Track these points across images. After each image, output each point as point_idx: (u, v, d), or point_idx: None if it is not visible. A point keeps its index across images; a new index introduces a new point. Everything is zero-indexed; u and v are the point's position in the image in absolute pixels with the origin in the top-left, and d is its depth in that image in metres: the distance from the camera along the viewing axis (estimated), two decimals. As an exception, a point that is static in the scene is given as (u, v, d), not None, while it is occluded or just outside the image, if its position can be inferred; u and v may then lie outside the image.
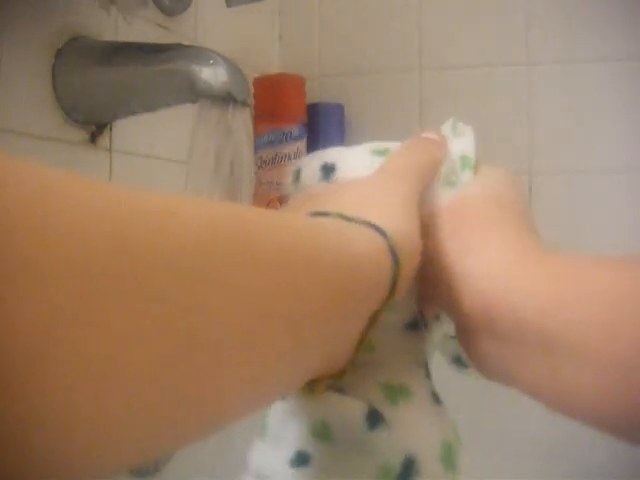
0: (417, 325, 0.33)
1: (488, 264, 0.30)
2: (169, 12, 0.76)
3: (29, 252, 0.14)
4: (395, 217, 0.29)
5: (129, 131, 0.69)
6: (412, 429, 0.29)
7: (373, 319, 0.28)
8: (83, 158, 0.64)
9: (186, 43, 0.62)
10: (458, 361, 0.34)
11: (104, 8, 0.65)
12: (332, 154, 0.36)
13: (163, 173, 0.75)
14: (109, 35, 0.66)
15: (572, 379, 0.26)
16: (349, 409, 0.29)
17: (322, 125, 0.97)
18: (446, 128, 0.37)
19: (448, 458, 0.29)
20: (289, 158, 0.91)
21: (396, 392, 0.30)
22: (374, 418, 0.29)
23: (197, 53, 0.57)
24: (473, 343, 0.31)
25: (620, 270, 0.26)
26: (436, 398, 0.31)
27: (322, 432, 0.29)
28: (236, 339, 0.19)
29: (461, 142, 0.36)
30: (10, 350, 0.14)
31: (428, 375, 0.32)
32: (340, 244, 0.25)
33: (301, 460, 0.29)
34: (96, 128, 0.64)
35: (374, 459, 0.29)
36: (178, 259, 0.17)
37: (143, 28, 0.72)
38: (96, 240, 0.15)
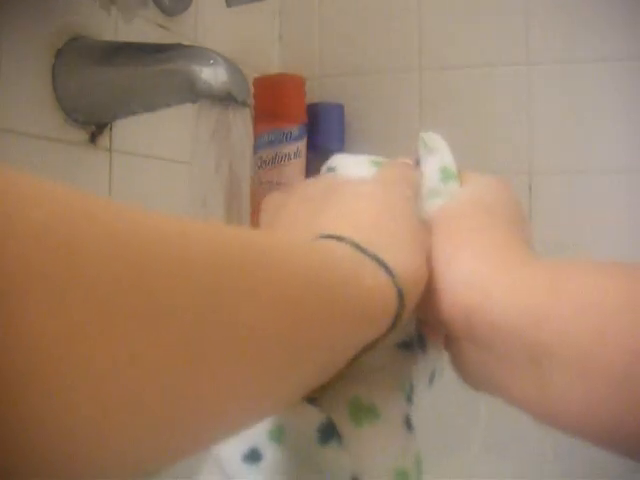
0: (410, 345, 0.33)
1: (468, 273, 0.29)
2: (169, 12, 0.76)
3: (35, 257, 0.14)
4: (404, 249, 0.29)
5: (129, 131, 0.69)
6: (367, 452, 0.29)
7: (369, 346, 0.28)
8: (83, 158, 0.64)
9: (186, 43, 0.62)
10: None
11: (104, 8, 0.65)
12: (335, 159, 0.37)
13: (163, 173, 0.75)
14: (109, 35, 0.66)
15: (562, 391, 0.26)
16: (305, 418, 0.29)
17: (322, 125, 0.97)
18: (420, 147, 0.37)
19: None
20: (289, 158, 0.91)
21: (363, 412, 0.30)
22: (327, 433, 0.29)
23: (197, 53, 0.57)
24: (456, 351, 0.31)
25: (613, 278, 0.26)
26: (408, 424, 0.31)
27: (275, 435, 0.29)
28: (235, 353, 0.19)
29: (436, 156, 0.36)
30: (11, 350, 0.14)
31: (409, 398, 0.32)
32: (349, 279, 0.26)
33: (253, 457, 0.29)
34: (96, 128, 0.64)
35: (320, 473, 0.29)
36: (182, 273, 0.18)
37: (143, 28, 0.72)
38: (107, 252, 0.16)
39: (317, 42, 1.05)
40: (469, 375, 0.31)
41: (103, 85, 0.60)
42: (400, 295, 0.27)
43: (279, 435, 0.29)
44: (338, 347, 0.26)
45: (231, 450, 0.30)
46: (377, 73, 1.01)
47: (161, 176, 0.75)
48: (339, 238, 0.27)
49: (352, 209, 0.31)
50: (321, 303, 0.23)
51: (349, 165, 0.37)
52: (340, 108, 1.00)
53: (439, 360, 0.34)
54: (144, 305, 0.16)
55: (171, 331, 0.17)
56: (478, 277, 0.29)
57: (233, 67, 0.55)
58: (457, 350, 0.31)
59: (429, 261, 0.31)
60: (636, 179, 0.91)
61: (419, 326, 0.33)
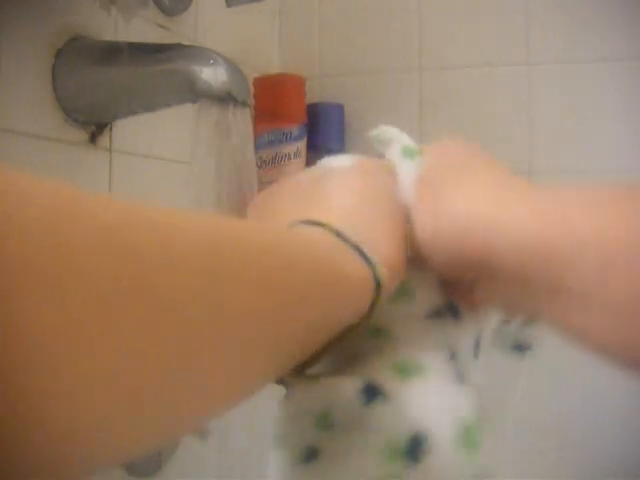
0: (441, 313, 0.33)
1: (470, 217, 0.30)
2: (169, 12, 0.76)
3: (35, 257, 0.14)
4: (383, 238, 0.30)
5: (129, 131, 0.69)
6: (421, 405, 0.29)
7: (350, 329, 0.28)
8: (83, 158, 0.64)
9: (186, 43, 0.62)
10: (519, 347, 0.34)
11: (104, 8, 0.65)
12: (331, 159, 0.38)
13: (163, 173, 0.75)
14: (109, 35, 0.66)
15: (582, 321, 0.27)
16: (341, 388, 0.29)
17: (322, 125, 0.97)
18: (376, 146, 0.37)
19: (467, 439, 0.29)
20: (289, 158, 0.91)
21: (409, 369, 0.30)
22: (370, 392, 0.28)
23: (197, 53, 0.57)
24: (484, 292, 0.32)
25: (617, 206, 0.27)
26: (460, 378, 0.31)
27: (322, 422, 0.29)
28: (228, 336, 0.20)
29: (393, 144, 0.36)
30: (12, 349, 0.14)
31: (453, 357, 0.32)
32: (330, 263, 0.27)
33: (311, 455, 0.29)
34: (96, 128, 0.64)
35: (377, 435, 0.28)
36: (178, 266, 0.18)
37: (143, 28, 0.72)
38: (107, 250, 0.16)
39: (317, 42, 1.05)
40: (503, 307, 0.32)
41: (103, 85, 0.60)
42: (377, 282, 0.28)
43: (324, 420, 0.29)
44: (318, 326, 0.26)
45: (289, 460, 0.30)
46: (377, 73, 1.01)
47: (161, 176, 0.75)
48: (321, 225, 0.28)
49: (335, 197, 0.32)
50: (303, 286, 0.24)
51: (344, 160, 0.37)
52: (340, 108, 1.00)
53: (480, 331, 0.34)
54: (142, 301, 0.16)
55: (168, 323, 0.17)
56: (480, 220, 0.29)
57: (233, 67, 0.55)
58: (484, 291, 0.32)
59: (417, 229, 0.31)
60: (636, 179, 0.91)
61: (449, 293, 0.33)
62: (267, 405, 0.32)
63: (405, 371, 0.30)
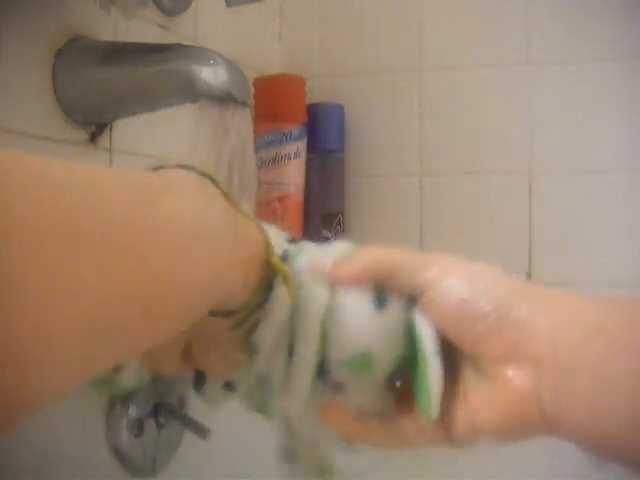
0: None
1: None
2: (169, 12, 0.76)
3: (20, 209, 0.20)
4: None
5: (129, 131, 0.69)
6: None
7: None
8: (83, 158, 0.64)
9: (186, 43, 0.62)
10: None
11: (104, 8, 0.65)
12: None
13: (163, 173, 0.75)
14: (109, 35, 0.66)
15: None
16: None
17: (322, 125, 0.97)
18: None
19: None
20: (289, 158, 0.91)
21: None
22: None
23: (197, 53, 0.57)
24: None
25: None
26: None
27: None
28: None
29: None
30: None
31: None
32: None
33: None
34: (96, 128, 0.64)
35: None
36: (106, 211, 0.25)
37: (143, 28, 0.72)
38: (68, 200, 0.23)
39: (317, 42, 1.05)
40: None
41: (103, 85, 0.60)
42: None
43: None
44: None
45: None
46: (377, 73, 1.01)
47: (161, 176, 0.74)
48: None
49: None
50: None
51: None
52: (340, 108, 1.00)
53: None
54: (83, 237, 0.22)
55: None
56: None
57: (233, 67, 0.55)
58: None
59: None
60: (636, 179, 0.91)
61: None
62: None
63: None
